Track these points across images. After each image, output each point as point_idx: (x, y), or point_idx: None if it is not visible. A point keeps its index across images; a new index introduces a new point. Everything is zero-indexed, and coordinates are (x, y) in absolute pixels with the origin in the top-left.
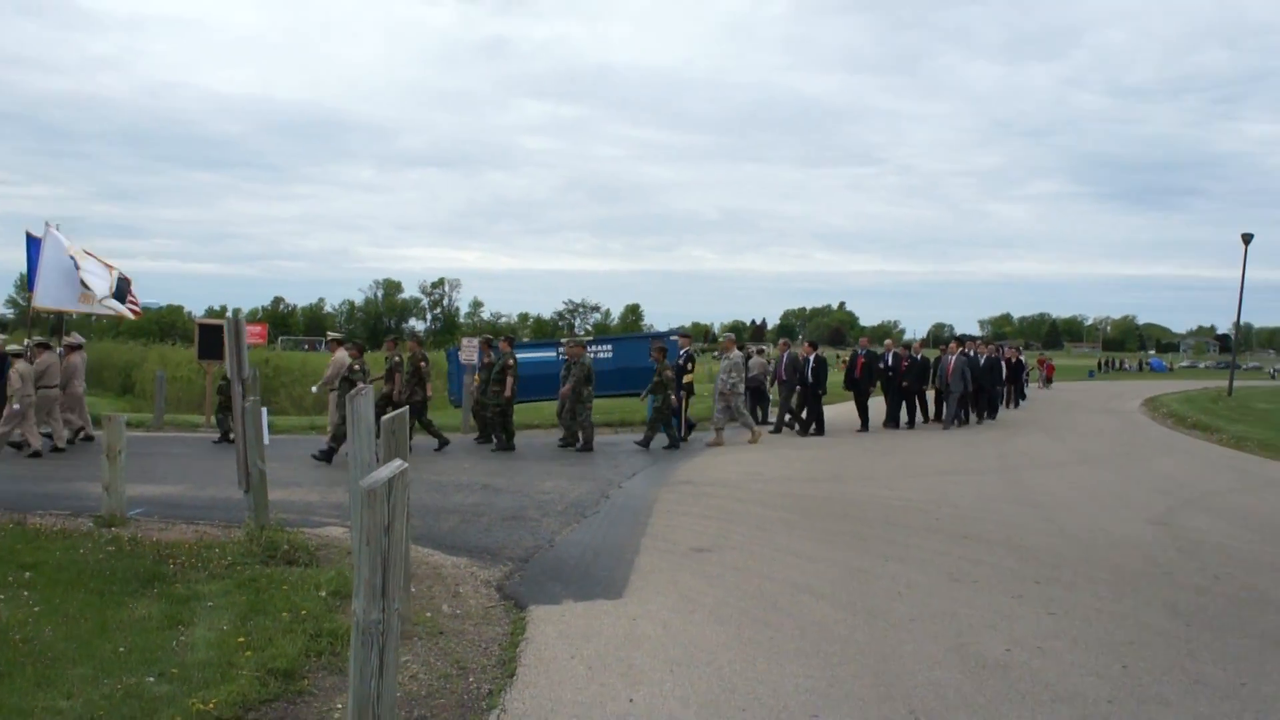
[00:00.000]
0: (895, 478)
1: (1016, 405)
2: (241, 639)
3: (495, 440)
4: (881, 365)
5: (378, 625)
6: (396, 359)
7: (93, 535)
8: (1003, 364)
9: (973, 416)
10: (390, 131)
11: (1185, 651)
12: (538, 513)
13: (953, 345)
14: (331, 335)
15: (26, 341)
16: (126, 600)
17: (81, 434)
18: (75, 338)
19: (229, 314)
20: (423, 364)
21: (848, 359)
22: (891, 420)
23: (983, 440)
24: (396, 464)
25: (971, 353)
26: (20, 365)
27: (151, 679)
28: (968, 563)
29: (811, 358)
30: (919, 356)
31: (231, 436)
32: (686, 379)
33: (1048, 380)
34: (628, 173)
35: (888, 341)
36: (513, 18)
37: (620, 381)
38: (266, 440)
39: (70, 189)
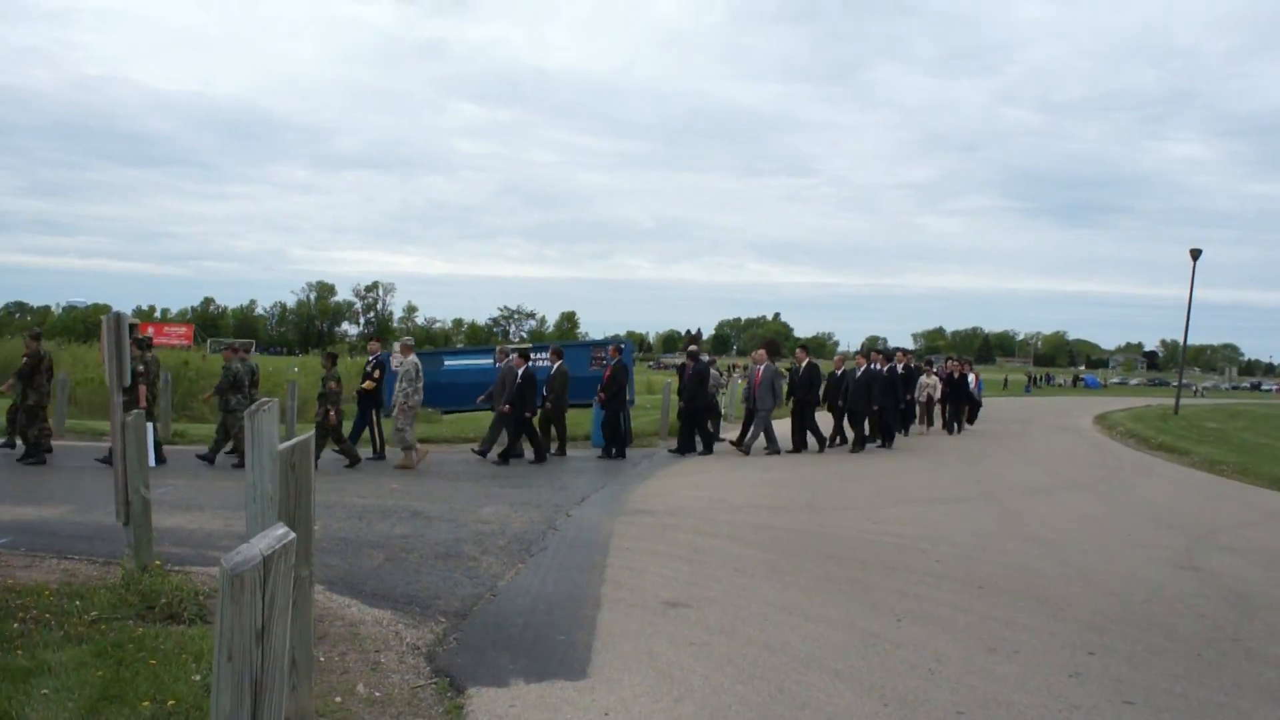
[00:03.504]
0: (875, 506)
1: (960, 429)
2: None
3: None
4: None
5: None
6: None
7: None
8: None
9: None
10: (326, 132)
11: None
12: (476, 549)
13: (757, 354)
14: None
15: None
16: None
17: None
18: None
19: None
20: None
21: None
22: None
23: (953, 462)
24: (280, 532)
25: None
26: None
27: None
28: (997, 624)
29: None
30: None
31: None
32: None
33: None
34: (564, 179)
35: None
36: (450, 19)
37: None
38: (152, 462)
39: None
